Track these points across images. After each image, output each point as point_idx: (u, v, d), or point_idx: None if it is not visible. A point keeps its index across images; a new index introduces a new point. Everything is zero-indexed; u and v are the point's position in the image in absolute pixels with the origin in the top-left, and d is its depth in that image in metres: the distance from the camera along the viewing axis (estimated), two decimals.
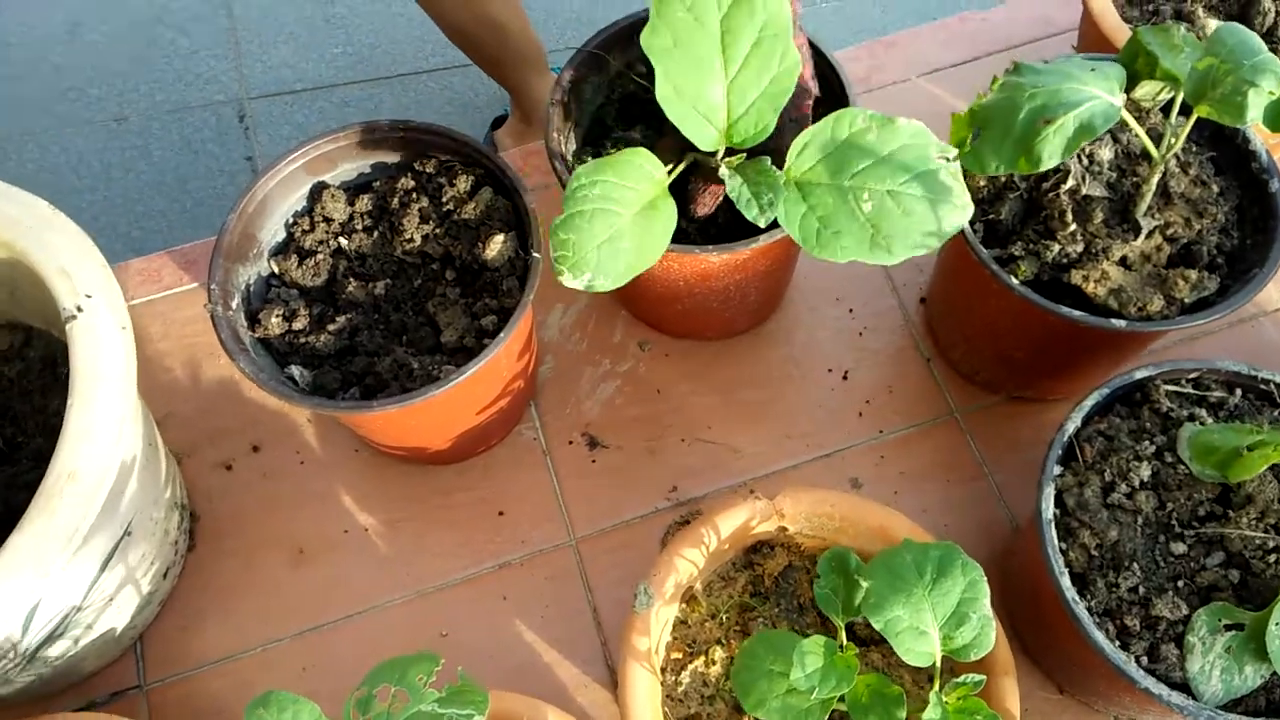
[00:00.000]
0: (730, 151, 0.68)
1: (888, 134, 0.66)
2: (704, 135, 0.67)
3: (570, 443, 0.95)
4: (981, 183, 0.82)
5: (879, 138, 0.66)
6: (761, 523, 0.75)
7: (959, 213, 0.65)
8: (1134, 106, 0.84)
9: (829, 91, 0.83)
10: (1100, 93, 0.67)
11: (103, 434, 0.66)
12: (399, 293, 0.83)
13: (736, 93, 0.66)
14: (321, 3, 1.82)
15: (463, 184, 0.83)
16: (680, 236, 0.83)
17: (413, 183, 0.84)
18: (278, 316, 0.78)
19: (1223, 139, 0.84)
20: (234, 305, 0.78)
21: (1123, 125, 0.83)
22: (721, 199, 0.82)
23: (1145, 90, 0.79)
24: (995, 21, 1.20)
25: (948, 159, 0.66)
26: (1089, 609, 0.66)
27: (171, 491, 0.86)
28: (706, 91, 0.66)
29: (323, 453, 0.95)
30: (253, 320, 0.79)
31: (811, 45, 0.81)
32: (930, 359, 0.98)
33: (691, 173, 0.80)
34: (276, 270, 0.83)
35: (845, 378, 0.98)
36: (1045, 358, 0.85)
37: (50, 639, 0.72)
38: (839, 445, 0.95)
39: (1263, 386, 0.74)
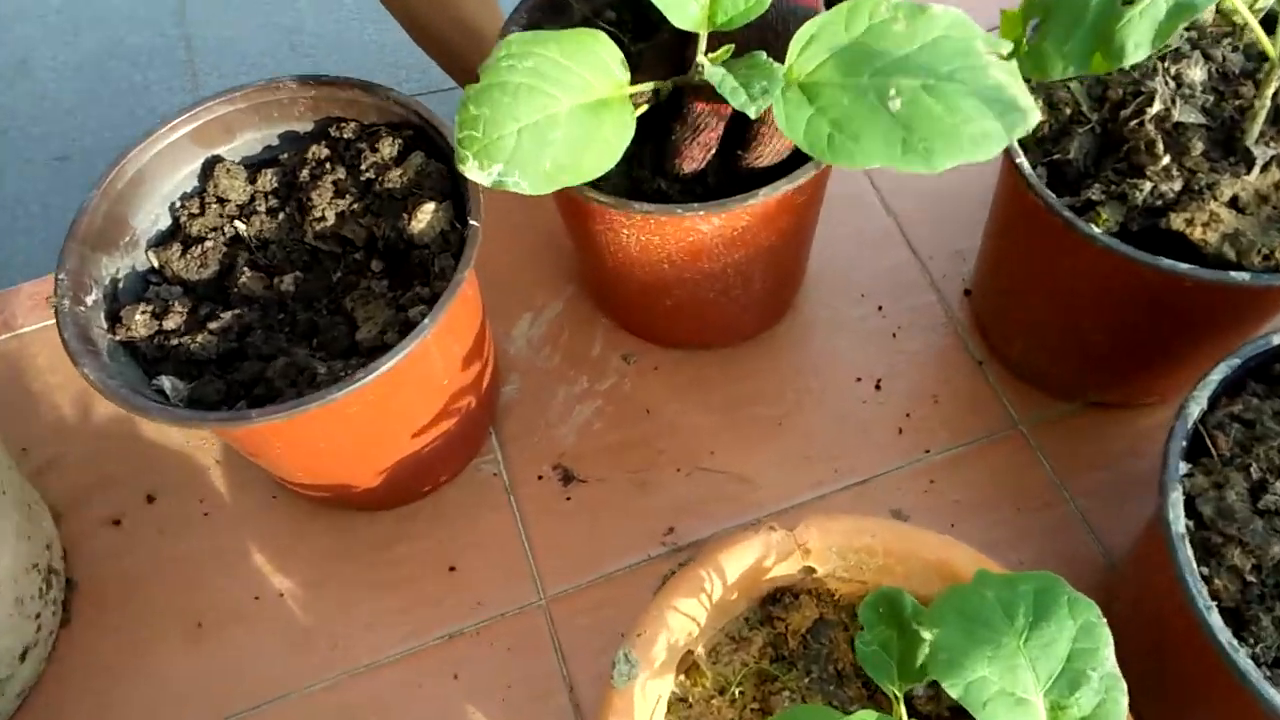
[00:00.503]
0: (715, 44, 0.52)
1: (920, 24, 0.50)
2: (680, 11, 0.51)
3: (540, 477, 0.77)
4: (1041, 116, 0.65)
5: (909, 29, 0.50)
6: (780, 561, 0.57)
7: (1021, 115, 0.49)
8: (1224, 20, 0.67)
9: None
10: None
11: None
12: (312, 287, 0.66)
13: None
14: (287, 31, 1.70)
15: (387, 149, 0.66)
16: (660, 199, 0.67)
17: (327, 151, 0.68)
18: (143, 314, 0.61)
19: None
20: (90, 301, 0.61)
21: (1216, 40, 0.66)
22: (714, 151, 0.65)
23: None
24: None
25: (999, 54, 0.50)
26: (1254, 657, 0.46)
27: (28, 551, 0.68)
28: None
29: (232, 501, 0.77)
30: (115, 320, 0.62)
31: None
32: (983, 361, 0.80)
33: (674, 118, 0.63)
34: (156, 263, 0.66)
35: (878, 387, 0.80)
36: (1137, 339, 0.66)
37: None
38: (875, 470, 0.76)
39: None
